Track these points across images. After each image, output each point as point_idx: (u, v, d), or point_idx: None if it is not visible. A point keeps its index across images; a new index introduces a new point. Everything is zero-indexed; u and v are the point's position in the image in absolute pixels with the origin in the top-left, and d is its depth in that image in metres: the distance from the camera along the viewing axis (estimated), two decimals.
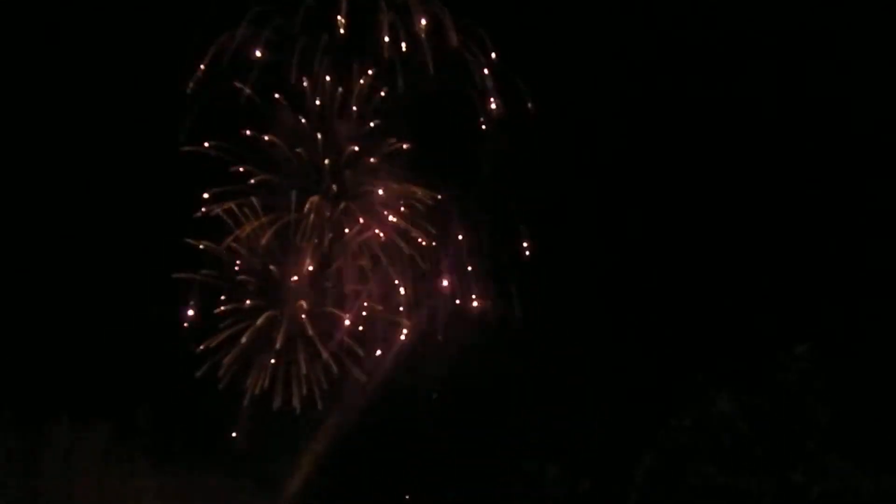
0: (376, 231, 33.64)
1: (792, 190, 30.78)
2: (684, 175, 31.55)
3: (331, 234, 33.72)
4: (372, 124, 33.55)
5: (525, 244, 33.14)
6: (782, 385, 23.17)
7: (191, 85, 32.34)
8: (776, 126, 31.33)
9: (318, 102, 33.49)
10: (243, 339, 33.20)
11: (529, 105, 32.68)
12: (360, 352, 33.32)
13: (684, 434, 23.68)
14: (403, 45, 32.86)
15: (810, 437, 22.84)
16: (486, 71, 32.96)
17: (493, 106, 33.12)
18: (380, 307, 33.47)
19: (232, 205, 33.08)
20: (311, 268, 33.55)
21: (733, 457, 23.01)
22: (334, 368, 33.36)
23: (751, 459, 22.94)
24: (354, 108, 33.54)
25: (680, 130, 32.03)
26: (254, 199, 33.13)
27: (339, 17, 33.01)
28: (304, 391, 33.45)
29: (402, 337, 33.29)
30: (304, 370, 33.47)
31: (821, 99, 30.39)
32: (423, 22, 32.75)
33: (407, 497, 32.35)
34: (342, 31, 33.05)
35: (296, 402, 33.44)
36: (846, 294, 28.83)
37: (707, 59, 31.50)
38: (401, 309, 33.34)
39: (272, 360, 33.46)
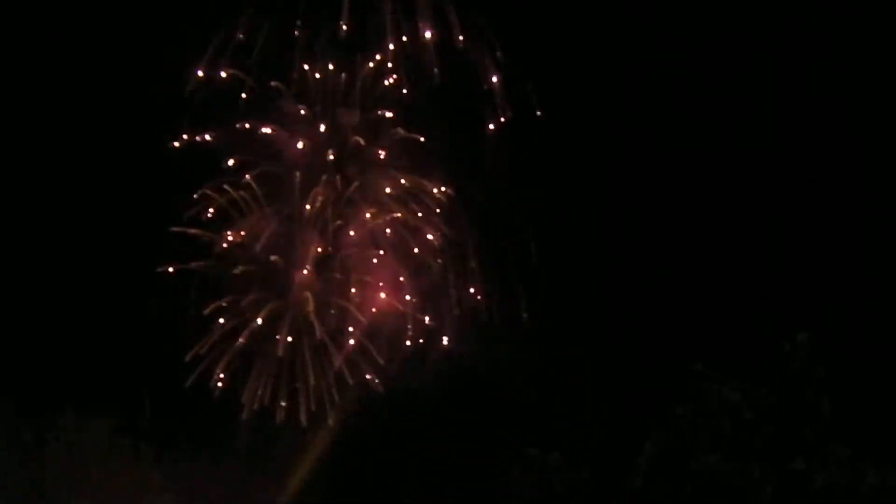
0: (385, 220, 33.47)
1: (793, 179, 30.83)
2: (686, 166, 31.61)
3: (338, 221, 33.51)
4: (377, 114, 33.55)
5: (531, 241, 33.02)
6: (784, 373, 23.07)
7: (193, 76, 32.33)
8: (777, 120, 31.40)
9: (320, 91, 33.51)
10: (240, 341, 31.79)
11: (535, 100, 32.56)
12: (376, 354, 32.23)
13: (686, 422, 23.58)
14: (407, 39, 32.83)
15: (812, 426, 22.75)
16: (493, 75, 32.59)
17: (500, 107, 32.87)
18: (391, 300, 33.05)
19: (233, 194, 32.87)
20: (318, 251, 32.99)
21: (735, 445, 22.93)
22: (348, 377, 32.12)
23: (752, 448, 22.86)
24: (358, 97, 33.48)
25: (681, 125, 32.08)
26: (256, 190, 33.09)
27: (342, 10, 33.01)
28: (313, 406, 31.99)
29: (410, 333, 32.97)
30: (312, 381, 31.76)
31: (822, 94, 30.42)
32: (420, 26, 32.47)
33: (408, 480, 32.04)
34: (345, 24, 33.05)
35: (302, 418, 31.98)
36: (848, 282, 28.87)
37: (709, 58, 31.53)
38: (408, 300, 33.21)
39: (274, 369, 31.91)
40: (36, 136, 32.70)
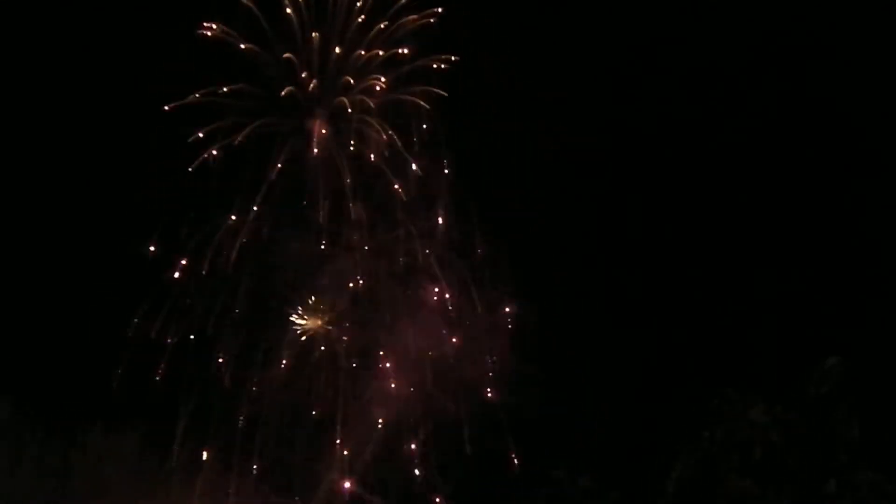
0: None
1: (823, 204, 31.07)
2: (718, 189, 31.90)
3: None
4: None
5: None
6: (814, 397, 23.15)
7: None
8: (806, 145, 31.69)
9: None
10: None
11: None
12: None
13: (716, 446, 23.62)
14: None
15: (842, 450, 22.78)
16: None
17: None
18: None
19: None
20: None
21: (765, 469, 22.96)
22: None
23: (782, 472, 22.87)
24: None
25: (706, 152, 32.41)
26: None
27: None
28: None
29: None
30: None
31: (845, 113, 30.70)
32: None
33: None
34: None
35: None
36: (878, 307, 28.95)
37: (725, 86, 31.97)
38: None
39: None
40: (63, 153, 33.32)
